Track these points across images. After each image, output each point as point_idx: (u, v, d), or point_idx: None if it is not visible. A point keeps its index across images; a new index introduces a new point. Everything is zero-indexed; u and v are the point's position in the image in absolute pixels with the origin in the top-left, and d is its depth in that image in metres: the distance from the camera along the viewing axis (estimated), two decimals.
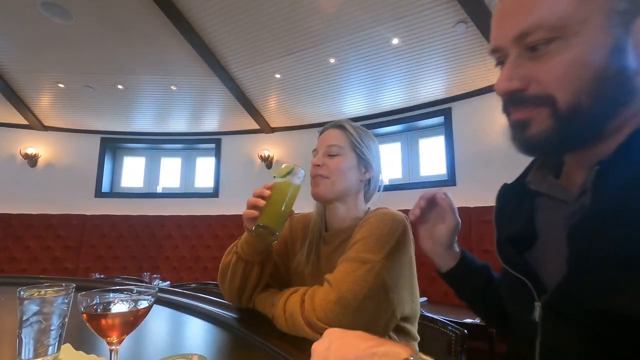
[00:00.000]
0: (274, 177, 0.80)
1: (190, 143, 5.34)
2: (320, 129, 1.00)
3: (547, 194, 0.50)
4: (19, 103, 4.49)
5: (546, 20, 0.39)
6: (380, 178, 1.00)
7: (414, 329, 0.86)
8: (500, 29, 0.45)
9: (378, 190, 1.00)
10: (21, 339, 0.53)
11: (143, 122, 5.09)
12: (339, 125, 0.96)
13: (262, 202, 0.77)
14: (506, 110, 0.47)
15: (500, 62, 0.47)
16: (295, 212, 1.10)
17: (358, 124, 0.99)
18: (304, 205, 1.04)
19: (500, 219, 0.56)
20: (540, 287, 0.45)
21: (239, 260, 0.86)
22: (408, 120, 4.44)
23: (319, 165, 0.91)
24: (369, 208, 0.97)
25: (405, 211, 0.80)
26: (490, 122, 3.62)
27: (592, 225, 0.38)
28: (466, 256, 0.70)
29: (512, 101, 0.45)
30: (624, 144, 0.40)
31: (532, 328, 0.45)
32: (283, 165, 0.81)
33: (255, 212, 0.77)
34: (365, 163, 0.94)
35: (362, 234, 0.81)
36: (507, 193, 0.58)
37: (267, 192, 0.78)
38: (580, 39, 0.38)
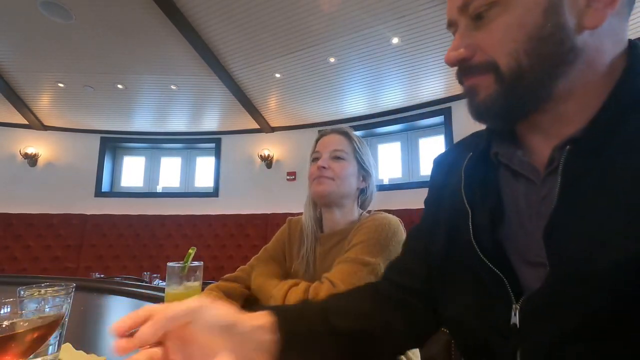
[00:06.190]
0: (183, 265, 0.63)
1: (190, 142, 5.34)
2: (320, 130, 1.00)
3: (514, 169, 0.46)
4: (19, 102, 4.50)
5: None
6: (374, 189, 1.02)
7: None
8: (450, 2, 0.46)
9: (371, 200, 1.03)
10: None
11: (143, 122, 5.09)
12: (343, 132, 0.98)
13: None
14: (459, 79, 0.48)
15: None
16: (295, 213, 1.10)
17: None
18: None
19: (472, 196, 0.47)
20: (516, 286, 0.41)
21: None
22: (408, 119, 4.44)
23: (324, 167, 0.93)
24: (361, 212, 0.99)
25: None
26: None
27: (567, 220, 0.37)
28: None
29: (462, 70, 0.46)
30: (595, 120, 0.39)
31: (511, 334, 0.39)
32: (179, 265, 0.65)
33: None
34: (364, 172, 0.97)
35: (360, 237, 0.83)
36: (472, 164, 0.50)
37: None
38: (515, 3, 0.40)
